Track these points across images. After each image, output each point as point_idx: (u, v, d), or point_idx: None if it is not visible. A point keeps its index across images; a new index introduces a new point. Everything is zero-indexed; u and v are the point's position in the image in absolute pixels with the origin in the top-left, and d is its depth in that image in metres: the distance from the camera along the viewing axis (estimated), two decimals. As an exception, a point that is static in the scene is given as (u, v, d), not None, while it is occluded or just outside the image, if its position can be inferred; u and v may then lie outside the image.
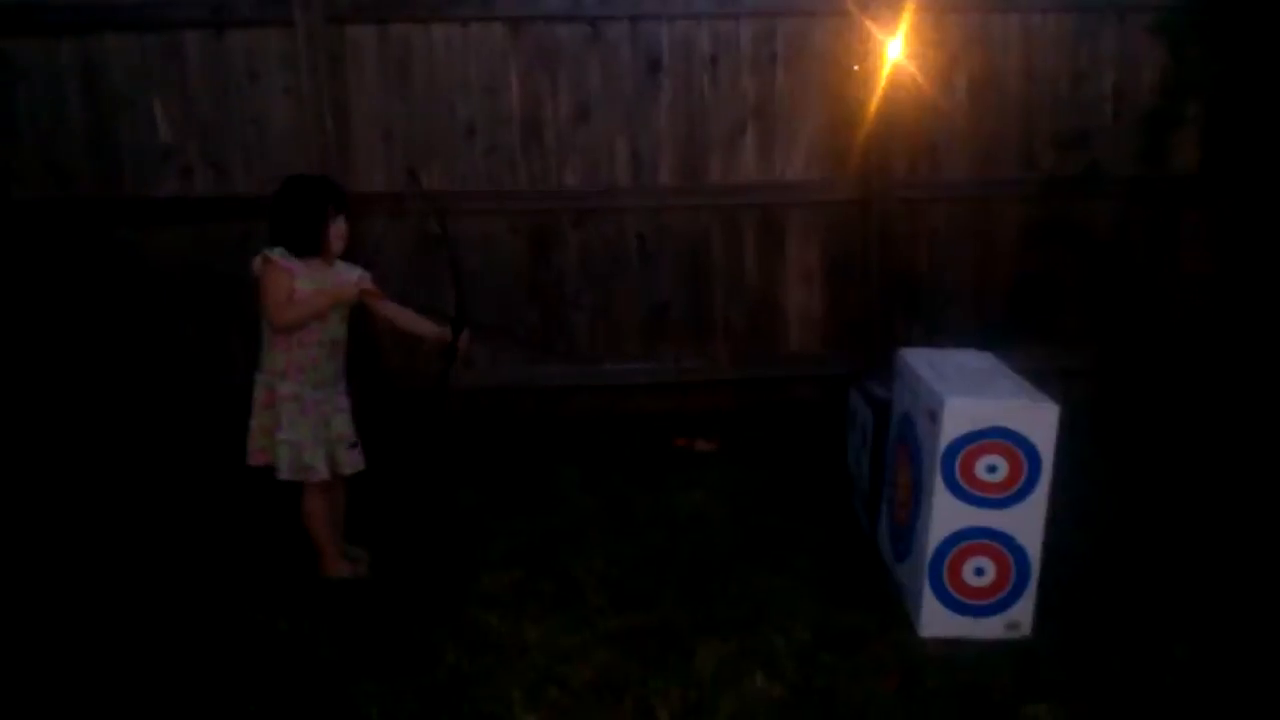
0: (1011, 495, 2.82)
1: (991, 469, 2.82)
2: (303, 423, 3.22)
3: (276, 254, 3.16)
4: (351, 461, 3.34)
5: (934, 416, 2.86)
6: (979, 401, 2.83)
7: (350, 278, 3.34)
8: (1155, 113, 4.91)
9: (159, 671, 2.79)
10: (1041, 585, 2.90)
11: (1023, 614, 2.89)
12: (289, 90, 4.72)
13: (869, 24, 4.79)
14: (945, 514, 2.86)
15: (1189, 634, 2.85)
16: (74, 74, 4.64)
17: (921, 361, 3.25)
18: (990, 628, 2.89)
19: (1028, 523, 2.84)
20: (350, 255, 4.77)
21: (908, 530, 3.08)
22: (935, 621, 2.90)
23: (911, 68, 4.86)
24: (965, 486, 2.83)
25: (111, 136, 4.71)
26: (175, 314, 4.86)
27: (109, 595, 3.24)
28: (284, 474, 3.22)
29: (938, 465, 2.83)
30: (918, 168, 5.02)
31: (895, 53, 4.82)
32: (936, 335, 5.14)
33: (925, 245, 5.10)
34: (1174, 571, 3.26)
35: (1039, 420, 2.79)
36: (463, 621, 3.02)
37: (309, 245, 3.23)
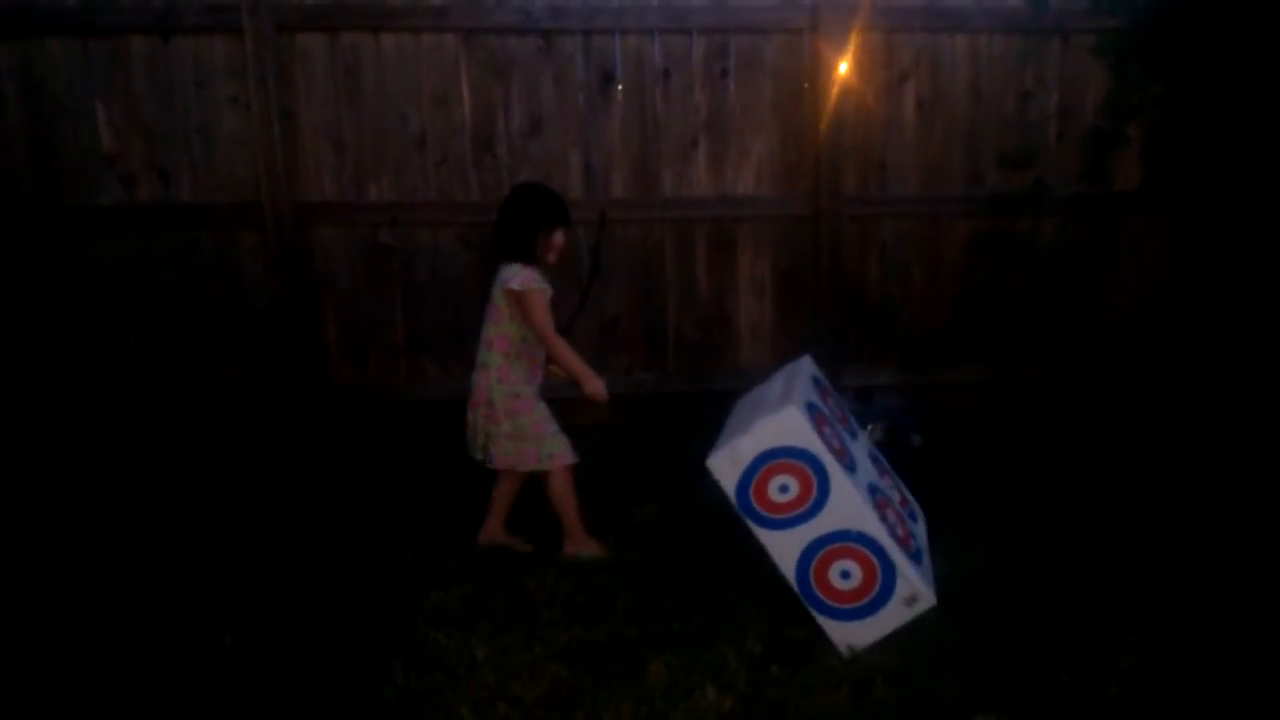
0: (817, 498, 2.89)
1: (784, 489, 2.90)
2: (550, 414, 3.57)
3: (534, 283, 3.43)
4: None
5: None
6: (732, 445, 2.93)
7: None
8: (1098, 132, 5.03)
9: (98, 688, 2.72)
10: (987, 595, 2.93)
11: (910, 587, 2.88)
12: (236, 98, 4.66)
13: (819, 42, 4.86)
14: (779, 548, 2.93)
15: (1133, 644, 2.90)
16: (14, 79, 4.54)
17: (735, 408, 3.37)
18: (894, 615, 2.90)
19: (849, 510, 2.89)
20: (303, 267, 4.76)
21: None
22: (845, 636, 2.92)
23: (861, 86, 4.93)
24: (774, 516, 2.91)
25: (53, 143, 4.61)
26: (117, 324, 4.76)
27: (49, 609, 3.15)
28: (568, 459, 3.54)
29: (741, 513, 2.94)
30: (867, 184, 5.09)
31: (845, 71, 4.88)
32: (885, 349, 5.21)
33: (874, 260, 5.16)
34: (1121, 581, 3.31)
35: (786, 427, 2.89)
36: (411, 638, 2.98)
37: (521, 252, 3.47)
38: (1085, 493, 4.11)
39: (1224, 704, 2.65)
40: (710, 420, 5.07)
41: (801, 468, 2.88)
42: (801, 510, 2.89)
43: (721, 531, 3.77)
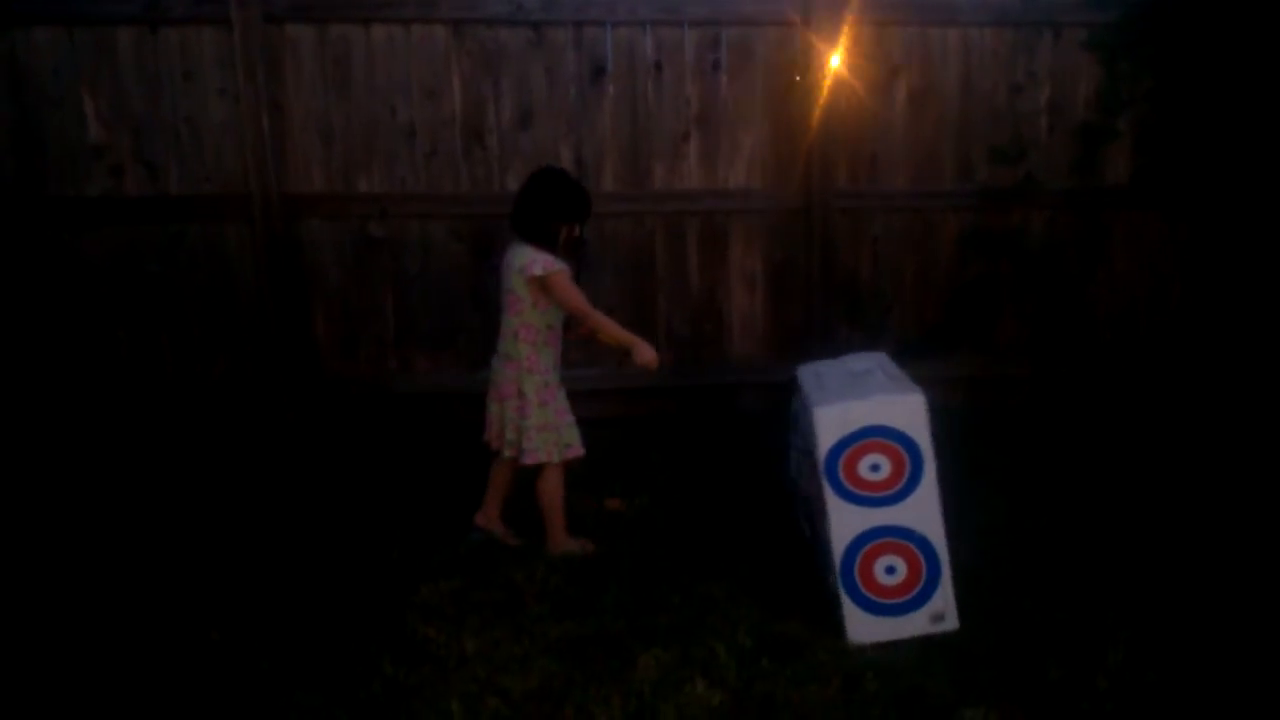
0: (900, 489, 2.87)
1: (875, 468, 2.87)
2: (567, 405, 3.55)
3: (554, 264, 3.38)
4: None
5: (811, 427, 2.92)
6: (847, 405, 2.88)
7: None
8: (1089, 126, 5.04)
9: (82, 684, 2.70)
10: (977, 590, 2.93)
11: (943, 604, 2.90)
12: (224, 90, 4.62)
13: (811, 35, 4.85)
14: (842, 520, 2.90)
15: (1122, 638, 2.90)
16: (-1, 68, 4.51)
17: (810, 374, 3.33)
18: (916, 624, 2.91)
19: (924, 513, 2.88)
20: (292, 259, 4.74)
21: (820, 540, 3.10)
22: (861, 627, 2.92)
23: (852, 79, 4.92)
24: (854, 489, 2.88)
25: (39, 134, 4.56)
26: (105, 315, 4.72)
27: (32, 604, 3.13)
28: (579, 451, 3.53)
29: (823, 474, 2.89)
30: (858, 178, 5.08)
31: (837, 64, 4.87)
32: (877, 342, 5.19)
33: (866, 254, 5.16)
34: (1111, 576, 3.32)
35: (908, 412, 2.86)
36: (401, 632, 2.97)
37: (539, 237, 3.45)
38: (1075, 487, 4.12)
39: (1212, 697, 2.65)
40: (701, 413, 5.11)
41: (900, 454, 2.85)
42: (881, 494, 2.87)
43: (712, 525, 3.78)
